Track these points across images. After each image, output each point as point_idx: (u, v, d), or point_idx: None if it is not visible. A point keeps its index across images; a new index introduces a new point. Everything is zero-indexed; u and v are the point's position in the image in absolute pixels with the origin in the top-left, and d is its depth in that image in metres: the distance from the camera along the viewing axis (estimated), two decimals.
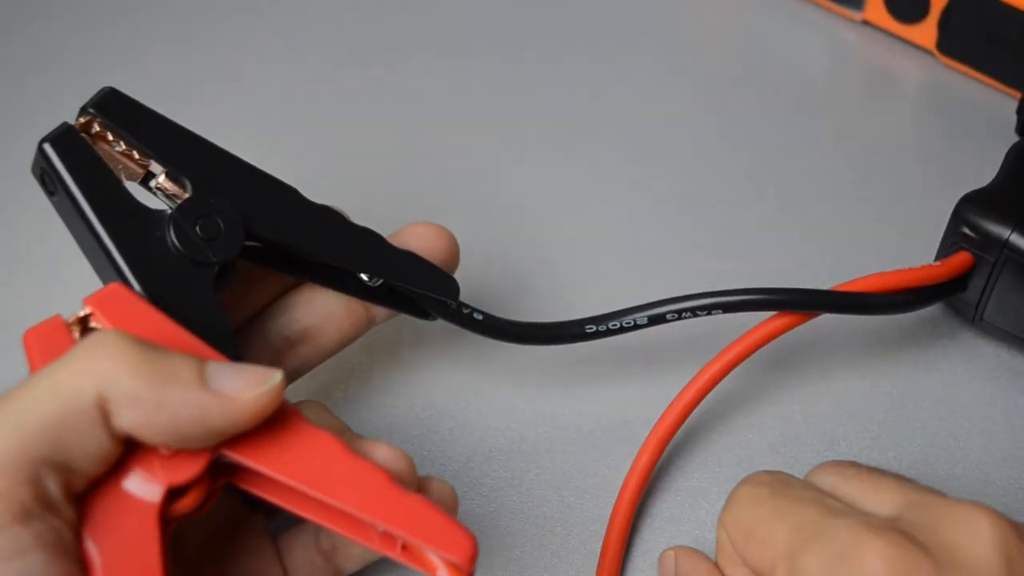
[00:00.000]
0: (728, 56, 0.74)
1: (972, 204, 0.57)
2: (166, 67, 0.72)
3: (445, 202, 0.67)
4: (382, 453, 0.46)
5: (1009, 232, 0.56)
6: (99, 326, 0.44)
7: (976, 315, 0.59)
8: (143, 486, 0.42)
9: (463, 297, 0.55)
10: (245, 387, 0.42)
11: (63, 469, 0.40)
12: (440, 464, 0.58)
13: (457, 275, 0.55)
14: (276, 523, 0.50)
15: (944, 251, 0.58)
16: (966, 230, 0.57)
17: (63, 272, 0.61)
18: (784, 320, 0.56)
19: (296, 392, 0.57)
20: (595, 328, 0.56)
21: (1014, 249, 0.56)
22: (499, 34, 0.74)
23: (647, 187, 0.67)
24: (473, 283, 0.62)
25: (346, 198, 0.65)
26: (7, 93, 0.70)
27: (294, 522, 0.49)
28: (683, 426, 0.57)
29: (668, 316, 0.56)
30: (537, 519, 0.56)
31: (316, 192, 0.64)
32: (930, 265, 0.57)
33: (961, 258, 0.57)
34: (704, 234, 0.65)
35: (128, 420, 0.41)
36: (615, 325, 0.56)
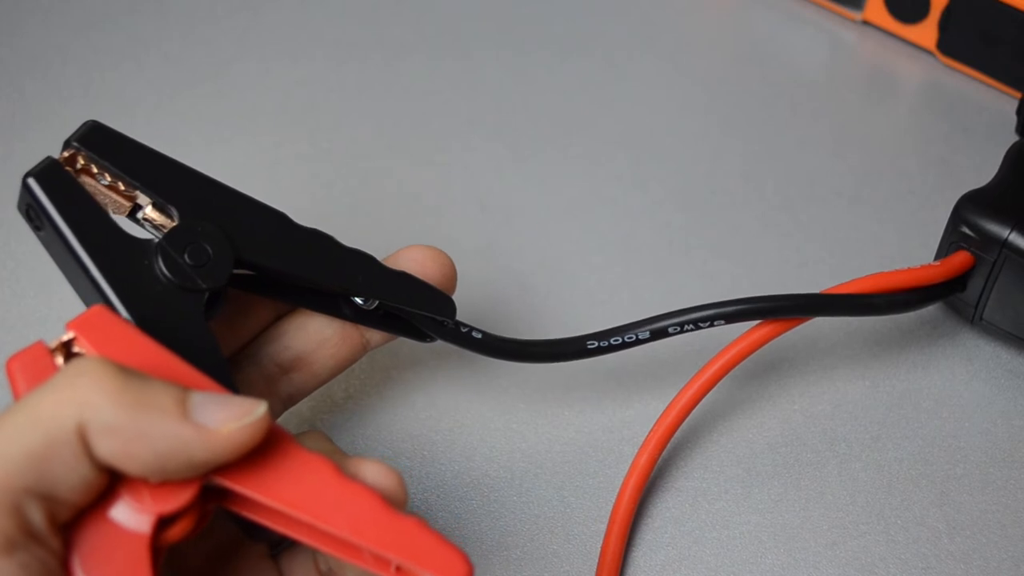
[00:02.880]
0: (727, 56, 0.74)
1: (971, 204, 0.57)
2: (166, 67, 0.72)
3: (436, 205, 0.67)
4: (373, 473, 0.45)
5: (1008, 231, 0.56)
6: (83, 351, 0.43)
7: (976, 315, 0.59)
8: (132, 516, 0.41)
9: (460, 312, 0.55)
10: (228, 419, 0.41)
11: (47, 499, 0.40)
12: (440, 463, 0.58)
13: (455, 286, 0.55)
14: (277, 546, 0.50)
15: (944, 251, 0.58)
16: (965, 229, 0.57)
17: None
18: (779, 323, 0.56)
19: None
20: (597, 344, 0.56)
21: (1013, 248, 0.56)
22: (497, 34, 0.74)
23: (645, 188, 0.67)
24: (469, 287, 0.62)
25: (340, 202, 0.66)
26: (7, 93, 0.70)
27: (292, 542, 0.49)
28: (683, 426, 0.57)
29: (670, 330, 0.55)
30: (538, 519, 0.57)
31: (311, 193, 0.64)
32: (929, 265, 0.57)
33: (960, 258, 0.57)
34: (704, 235, 0.65)
35: (108, 450, 0.40)
36: (617, 340, 0.56)
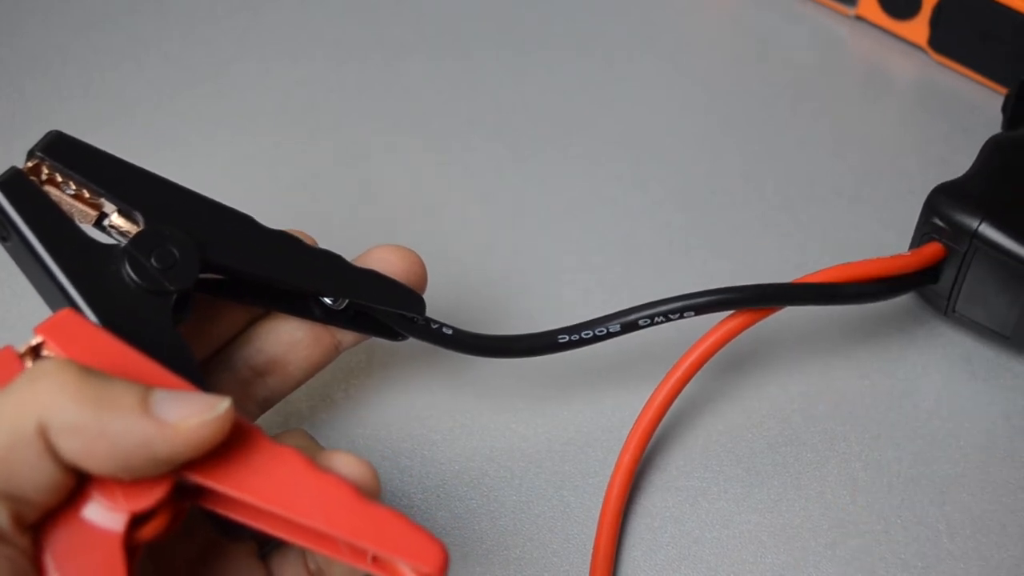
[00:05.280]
0: (727, 56, 0.74)
1: (943, 195, 0.57)
2: (166, 67, 0.72)
3: (436, 205, 0.67)
4: (345, 464, 0.45)
5: (978, 223, 0.56)
6: (52, 354, 0.43)
7: (948, 306, 0.60)
8: (104, 515, 0.42)
9: (444, 311, 0.55)
10: (190, 415, 0.41)
11: (11, 499, 0.40)
12: (441, 464, 0.58)
13: (434, 282, 0.55)
14: (266, 546, 0.50)
15: (917, 242, 0.59)
16: (937, 220, 0.57)
17: None
18: (751, 313, 0.56)
19: (296, 392, 0.57)
20: (568, 338, 0.56)
21: (983, 240, 0.56)
22: (497, 34, 0.74)
23: (645, 188, 0.67)
24: (469, 287, 0.63)
25: (340, 202, 0.66)
26: (7, 93, 0.70)
27: (282, 543, 0.48)
28: (682, 426, 0.58)
29: (640, 323, 0.56)
30: (537, 518, 0.57)
31: (311, 192, 0.64)
32: (901, 255, 0.58)
33: (932, 248, 0.58)
34: (704, 235, 0.65)
35: (71, 449, 0.40)
36: (588, 334, 0.56)
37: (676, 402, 0.56)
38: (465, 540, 0.56)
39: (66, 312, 0.44)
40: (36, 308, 0.61)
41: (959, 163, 0.64)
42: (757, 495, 0.57)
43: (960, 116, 0.71)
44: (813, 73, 0.73)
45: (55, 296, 0.47)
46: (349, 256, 0.53)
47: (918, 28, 0.72)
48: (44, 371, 0.41)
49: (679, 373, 0.56)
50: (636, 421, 0.56)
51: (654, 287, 0.62)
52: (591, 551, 0.56)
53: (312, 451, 0.46)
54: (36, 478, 0.40)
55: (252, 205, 0.52)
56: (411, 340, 0.55)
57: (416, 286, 0.54)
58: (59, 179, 0.48)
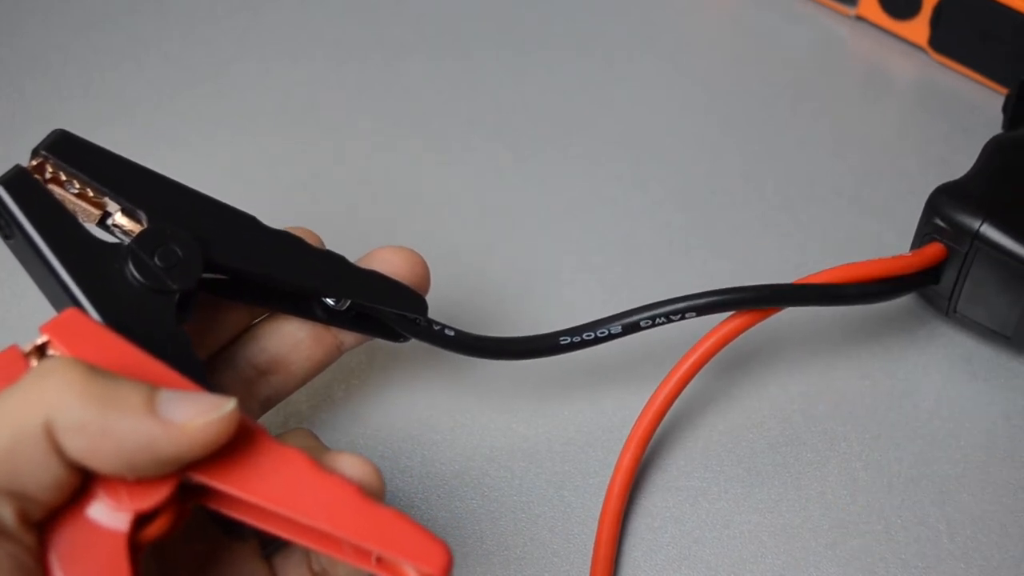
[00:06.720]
0: (727, 56, 0.74)
1: (944, 195, 0.58)
2: (166, 67, 0.72)
3: (436, 205, 0.67)
4: (349, 465, 0.45)
5: (980, 223, 0.56)
6: (57, 353, 0.43)
7: (950, 307, 0.60)
8: (109, 514, 0.42)
9: (445, 312, 0.55)
10: (195, 415, 0.41)
11: (16, 497, 0.40)
12: (441, 464, 0.58)
13: (435, 283, 0.55)
14: (269, 547, 0.50)
15: (918, 242, 0.59)
16: (938, 221, 0.57)
17: None
18: (752, 314, 0.56)
19: (297, 392, 0.57)
20: (570, 340, 0.56)
21: (985, 240, 0.56)
22: (497, 34, 0.74)
23: (645, 188, 0.67)
24: (469, 288, 0.62)
25: (340, 202, 0.66)
26: (7, 93, 0.70)
27: (285, 543, 0.49)
28: (683, 426, 0.58)
29: (642, 324, 0.56)
30: (538, 518, 0.57)
31: (311, 193, 0.64)
32: (902, 255, 0.58)
33: (934, 249, 0.58)
34: (704, 235, 0.65)
35: (76, 448, 0.40)
36: (589, 336, 0.56)
37: (677, 402, 0.56)
38: (465, 540, 0.56)
39: (71, 311, 0.44)
40: (36, 308, 0.61)
41: (959, 163, 0.64)
42: (758, 495, 0.57)
43: (960, 116, 0.71)
44: (813, 73, 0.73)
45: (58, 294, 0.47)
46: (351, 257, 0.53)
47: (918, 28, 0.72)
48: (50, 369, 0.41)
49: (680, 373, 0.56)
50: (637, 421, 0.56)
51: (654, 287, 0.62)
52: (591, 551, 0.56)
53: (317, 451, 0.46)
54: (41, 476, 0.40)
55: (252, 205, 0.52)
56: (412, 341, 0.55)
57: (419, 287, 0.54)
58: (63, 178, 0.49)
